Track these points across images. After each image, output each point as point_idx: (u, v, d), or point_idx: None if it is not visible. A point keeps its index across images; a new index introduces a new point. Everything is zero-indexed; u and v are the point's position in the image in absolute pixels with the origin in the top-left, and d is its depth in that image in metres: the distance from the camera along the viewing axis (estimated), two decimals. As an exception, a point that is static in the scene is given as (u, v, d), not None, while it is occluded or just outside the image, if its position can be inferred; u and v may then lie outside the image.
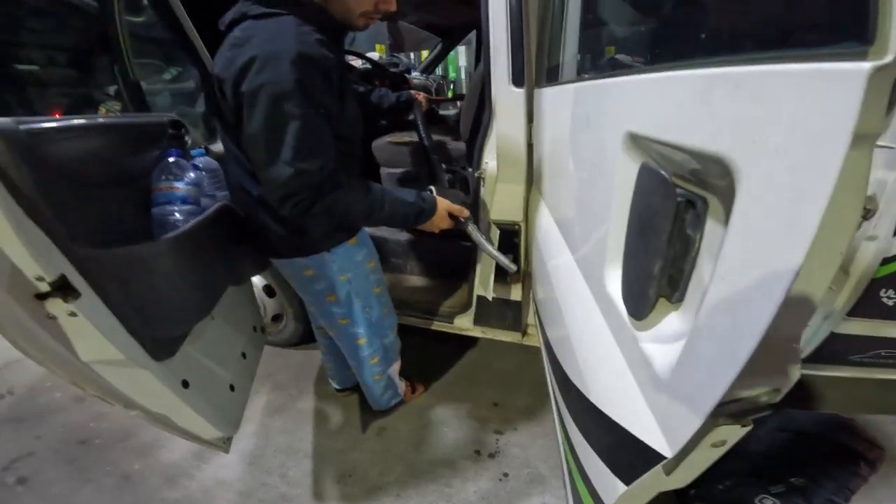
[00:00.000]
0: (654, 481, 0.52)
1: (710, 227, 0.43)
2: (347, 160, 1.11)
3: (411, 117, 1.70)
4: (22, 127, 0.79)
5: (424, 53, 6.76)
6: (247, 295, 1.57)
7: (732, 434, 0.42)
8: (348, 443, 1.72)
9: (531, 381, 1.96)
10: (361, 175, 1.18)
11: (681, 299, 0.50)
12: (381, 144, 2.06)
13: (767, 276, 0.35)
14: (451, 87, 3.82)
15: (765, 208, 0.36)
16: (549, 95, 1.21)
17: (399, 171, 2.05)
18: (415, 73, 3.02)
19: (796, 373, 0.38)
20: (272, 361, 2.13)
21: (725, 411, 0.41)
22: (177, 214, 1.02)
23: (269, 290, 2.00)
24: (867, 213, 1.14)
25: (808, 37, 0.36)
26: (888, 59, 0.26)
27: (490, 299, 1.63)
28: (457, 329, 1.81)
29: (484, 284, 1.62)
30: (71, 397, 2.02)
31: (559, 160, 1.12)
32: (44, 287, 0.77)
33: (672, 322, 0.52)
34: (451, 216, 1.29)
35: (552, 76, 1.23)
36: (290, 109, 0.93)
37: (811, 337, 1.35)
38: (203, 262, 1.08)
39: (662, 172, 0.46)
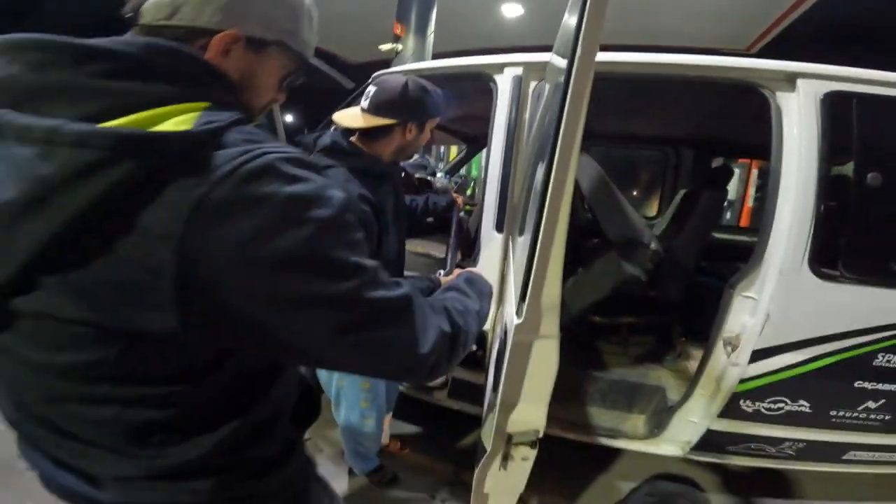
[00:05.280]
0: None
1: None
2: None
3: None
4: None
5: (454, 149, 6.79)
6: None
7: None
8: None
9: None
10: None
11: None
12: None
13: None
14: (472, 184, 4.25)
15: None
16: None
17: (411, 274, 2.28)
18: (438, 175, 3.35)
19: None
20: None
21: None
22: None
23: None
24: (733, 348, 1.57)
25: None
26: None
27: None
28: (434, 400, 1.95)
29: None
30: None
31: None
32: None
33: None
34: None
35: (521, 231, 1.44)
36: None
37: (694, 431, 1.75)
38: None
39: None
